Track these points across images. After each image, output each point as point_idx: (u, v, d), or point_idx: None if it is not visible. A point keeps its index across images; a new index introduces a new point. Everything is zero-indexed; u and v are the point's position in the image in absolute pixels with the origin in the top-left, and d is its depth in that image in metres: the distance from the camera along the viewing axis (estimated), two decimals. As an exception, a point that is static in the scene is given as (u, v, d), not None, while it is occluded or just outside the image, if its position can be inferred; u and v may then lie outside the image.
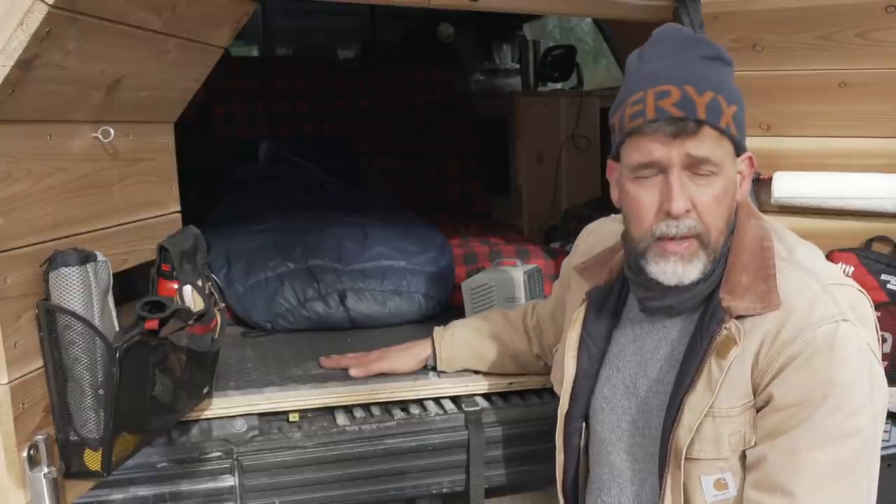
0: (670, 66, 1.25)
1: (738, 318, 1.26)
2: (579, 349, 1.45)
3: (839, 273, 1.38)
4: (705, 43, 1.30)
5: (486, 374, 1.92)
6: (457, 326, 1.96)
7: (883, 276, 1.89)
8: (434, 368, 1.92)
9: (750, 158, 1.33)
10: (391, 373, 1.91)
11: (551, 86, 4.36)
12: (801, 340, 1.21)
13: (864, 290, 1.32)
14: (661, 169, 1.24)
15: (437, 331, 1.95)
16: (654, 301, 1.35)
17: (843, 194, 1.94)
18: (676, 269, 1.27)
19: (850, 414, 1.19)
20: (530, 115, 3.40)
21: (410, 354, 1.94)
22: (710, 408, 1.26)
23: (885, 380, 1.25)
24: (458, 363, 1.91)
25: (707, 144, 1.22)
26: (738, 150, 1.28)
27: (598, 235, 1.60)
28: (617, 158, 1.33)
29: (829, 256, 1.88)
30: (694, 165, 1.23)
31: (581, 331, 1.45)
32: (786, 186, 2.00)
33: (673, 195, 1.23)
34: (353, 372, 1.91)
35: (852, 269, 1.89)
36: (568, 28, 6.96)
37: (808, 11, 1.87)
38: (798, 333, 1.21)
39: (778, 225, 1.39)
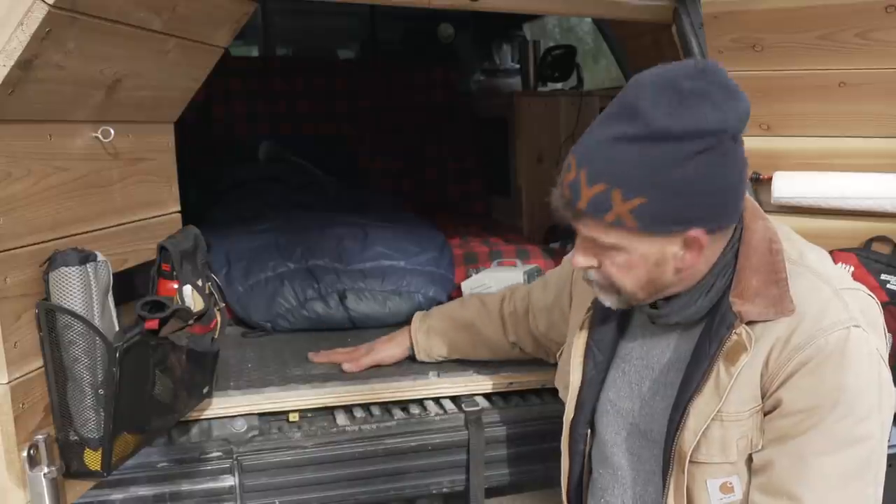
0: (589, 135, 1.21)
1: (749, 323, 1.23)
2: (585, 357, 1.44)
3: (848, 276, 1.37)
4: (646, 113, 1.12)
5: (486, 374, 1.92)
6: (433, 317, 2.01)
7: (883, 276, 1.89)
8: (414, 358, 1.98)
9: (693, 238, 1.19)
10: (381, 364, 1.96)
11: (551, 86, 4.35)
12: (812, 346, 1.19)
13: (873, 294, 1.31)
14: None
15: (415, 321, 2.00)
16: (661, 319, 1.34)
17: (843, 194, 1.94)
18: (601, 297, 1.33)
19: (860, 420, 1.18)
20: (530, 115, 3.39)
21: (395, 343, 2.00)
22: (717, 412, 1.24)
23: (892, 386, 1.24)
24: (434, 354, 1.97)
25: (593, 230, 1.22)
26: (659, 233, 1.19)
27: None
28: None
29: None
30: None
31: (587, 339, 1.45)
32: (786, 186, 2.00)
33: (575, 253, 1.29)
34: (346, 367, 1.94)
35: (852, 269, 1.89)
36: (568, 28, 6.96)
37: (808, 11, 1.87)
38: (810, 339, 1.19)
39: (782, 225, 1.36)
